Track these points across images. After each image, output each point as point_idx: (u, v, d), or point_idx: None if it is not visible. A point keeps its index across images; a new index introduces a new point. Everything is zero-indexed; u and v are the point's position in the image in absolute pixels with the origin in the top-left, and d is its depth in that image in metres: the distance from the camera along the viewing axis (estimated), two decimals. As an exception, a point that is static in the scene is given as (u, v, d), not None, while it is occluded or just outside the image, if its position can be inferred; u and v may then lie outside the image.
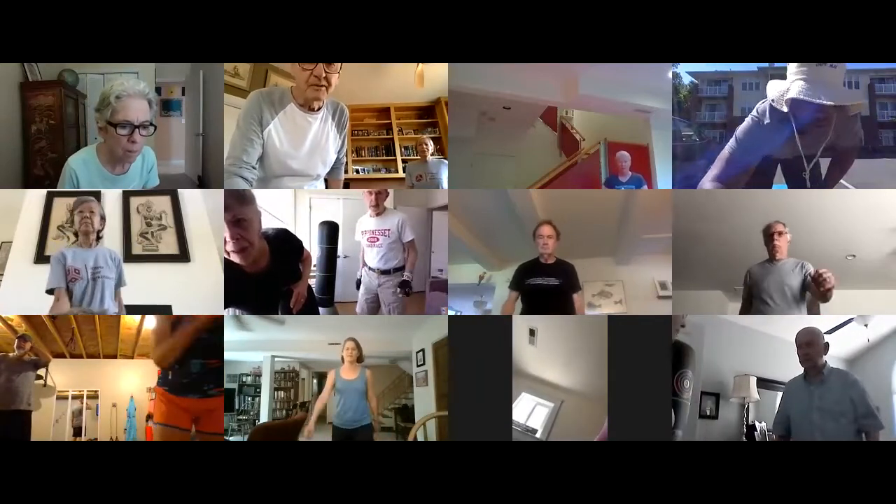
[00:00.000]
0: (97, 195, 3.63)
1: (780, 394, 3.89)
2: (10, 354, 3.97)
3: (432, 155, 4.77)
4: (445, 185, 4.37)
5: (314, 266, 5.24)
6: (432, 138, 5.21)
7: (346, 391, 3.84)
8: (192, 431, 3.01)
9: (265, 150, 2.73)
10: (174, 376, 2.96)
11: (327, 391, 3.88)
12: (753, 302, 3.29)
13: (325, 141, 2.94)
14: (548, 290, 3.46)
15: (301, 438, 3.85)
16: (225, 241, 2.71)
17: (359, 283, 4.34)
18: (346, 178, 5.96)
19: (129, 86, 2.78)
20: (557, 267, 3.55)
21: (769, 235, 3.30)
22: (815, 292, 3.08)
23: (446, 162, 4.45)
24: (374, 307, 4.17)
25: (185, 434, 2.98)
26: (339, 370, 3.89)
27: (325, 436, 3.98)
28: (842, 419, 3.00)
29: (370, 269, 4.15)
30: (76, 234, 3.00)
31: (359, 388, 3.84)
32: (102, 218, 2.99)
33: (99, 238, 2.99)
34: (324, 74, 2.65)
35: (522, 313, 3.53)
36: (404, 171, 5.80)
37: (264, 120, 2.70)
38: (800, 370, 3.24)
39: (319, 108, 2.83)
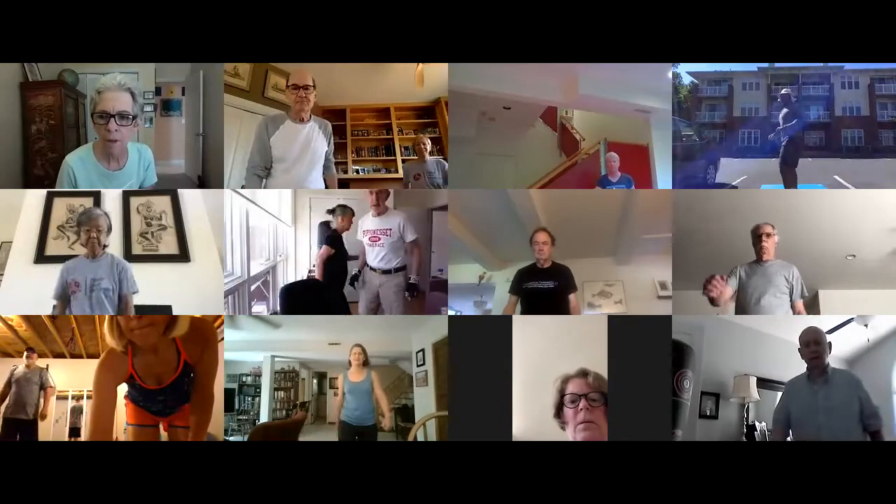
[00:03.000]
0: (97, 195, 3.65)
1: (779, 394, 3.89)
2: (19, 367, 4.41)
3: (430, 154, 4.70)
4: (443, 184, 4.36)
5: (314, 265, 5.26)
6: (430, 137, 5.18)
7: (355, 392, 4.19)
8: (160, 429, 3.01)
9: (272, 151, 3.53)
10: (141, 399, 2.92)
11: (340, 396, 4.27)
12: (741, 302, 3.30)
13: (314, 142, 3.58)
14: (544, 292, 3.58)
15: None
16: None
17: (353, 279, 4.36)
18: (346, 178, 6.00)
19: (107, 80, 2.93)
20: (553, 270, 3.65)
21: (757, 237, 3.31)
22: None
23: (444, 162, 4.44)
24: (375, 307, 4.17)
25: (154, 430, 2.98)
26: (347, 373, 4.22)
27: (326, 436, 3.99)
28: (850, 419, 3.01)
29: (372, 268, 4.15)
30: (81, 237, 3.00)
31: (366, 389, 4.19)
32: (109, 229, 3.05)
33: (104, 247, 3.03)
34: (303, 94, 3.46)
35: (522, 313, 3.58)
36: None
37: (269, 132, 3.52)
38: (800, 370, 3.24)
39: (307, 120, 3.55)
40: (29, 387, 4.40)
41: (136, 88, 3.02)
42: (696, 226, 3.71)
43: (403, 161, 6.17)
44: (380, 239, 4.11)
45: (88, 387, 5.10)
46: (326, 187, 3.76)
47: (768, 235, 3.29)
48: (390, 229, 4.09)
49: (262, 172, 3.56)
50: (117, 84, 2.91)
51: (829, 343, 3.20)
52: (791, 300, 3.27)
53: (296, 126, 3.53)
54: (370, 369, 4.22)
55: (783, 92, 4.21)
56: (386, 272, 4.11)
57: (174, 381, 2.80)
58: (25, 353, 4.47)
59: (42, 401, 4.50)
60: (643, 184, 4.34)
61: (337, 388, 4.47)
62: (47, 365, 4.74)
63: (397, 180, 6.01)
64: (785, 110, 4.15)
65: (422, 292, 5.02)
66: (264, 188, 3.69)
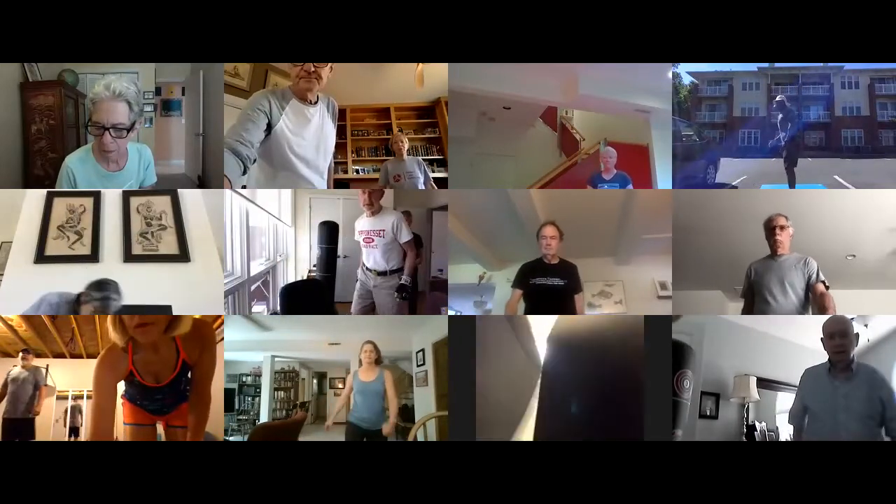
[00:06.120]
0: (97, 195, 3.65)
1: (779, 394, 3.89)
2: (14, 368, 4.43)
3: (408, 153, 4.54)
4: (422, 185, 4.30)
5: (314, 266, 5.26)
6: (428, 137, 5.12)
7: (365, 392, 3.91)
8: (158, 428, 3.01)
9: (276, 142, 2.97)
10: (139, 397, 2.91)
11: (346, 394, 4.00)
12: (755, 300, 3.23)
13: (325, 130, 3.24)
14: (552, 290, 3.47)
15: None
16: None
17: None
18: (346, 179, 6.01)
19: (101, 89, 2.87)
20: (561, 267, 3.55)
21: (770, 229, 3.19)
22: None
23: (424, 162, 4.37)
24: (370, 307, 4.12)
25: (151, 430, 2.98)
26: (357, 372, 3.97)
27: (326, 436, 3.98)
28: (869, 421, 2.86)
29: (367, 269, 4.11)
30: (87, 309, 2.82)
31: (377, 390, 3.90)
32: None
33: None
34: (312, 69, 2.94)
35: (526, 313, 3.52)
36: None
37: (273, 112, 2.93)
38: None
39: (315, 102, 3.11)
40: (24, 387, 4.46)
41: (133, 94, 2.94)
42: (696, 226, 3.71)
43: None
44: (373, 240, 4.04)
45: (88, 386, 5.11)
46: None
47: (782, 228, 3.15)
48: (384, 230, 4.02)
49: (243, 149, 2.75)
50: (112, 94, 2.85)
51: (857, 334, 2.98)
52: (808, 284, 3.10)
53: (304, 108, 3.04)
54: (383, 368, 3.97)
55: (777, 99, 4.22)
56: (381, 273, 4.06)
57: (172, 380, 2.80)
58: (21, 354, 4.50)
59: (37, 399, 4.55)
60: (643, 184, 4.33)
61: (338, 389, 4.41)
62: (47, 365, 4.75)
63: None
64: (780, 116, 4.16)
65: (420, 292, 5.00)
66: (243, 174, 2.85)
